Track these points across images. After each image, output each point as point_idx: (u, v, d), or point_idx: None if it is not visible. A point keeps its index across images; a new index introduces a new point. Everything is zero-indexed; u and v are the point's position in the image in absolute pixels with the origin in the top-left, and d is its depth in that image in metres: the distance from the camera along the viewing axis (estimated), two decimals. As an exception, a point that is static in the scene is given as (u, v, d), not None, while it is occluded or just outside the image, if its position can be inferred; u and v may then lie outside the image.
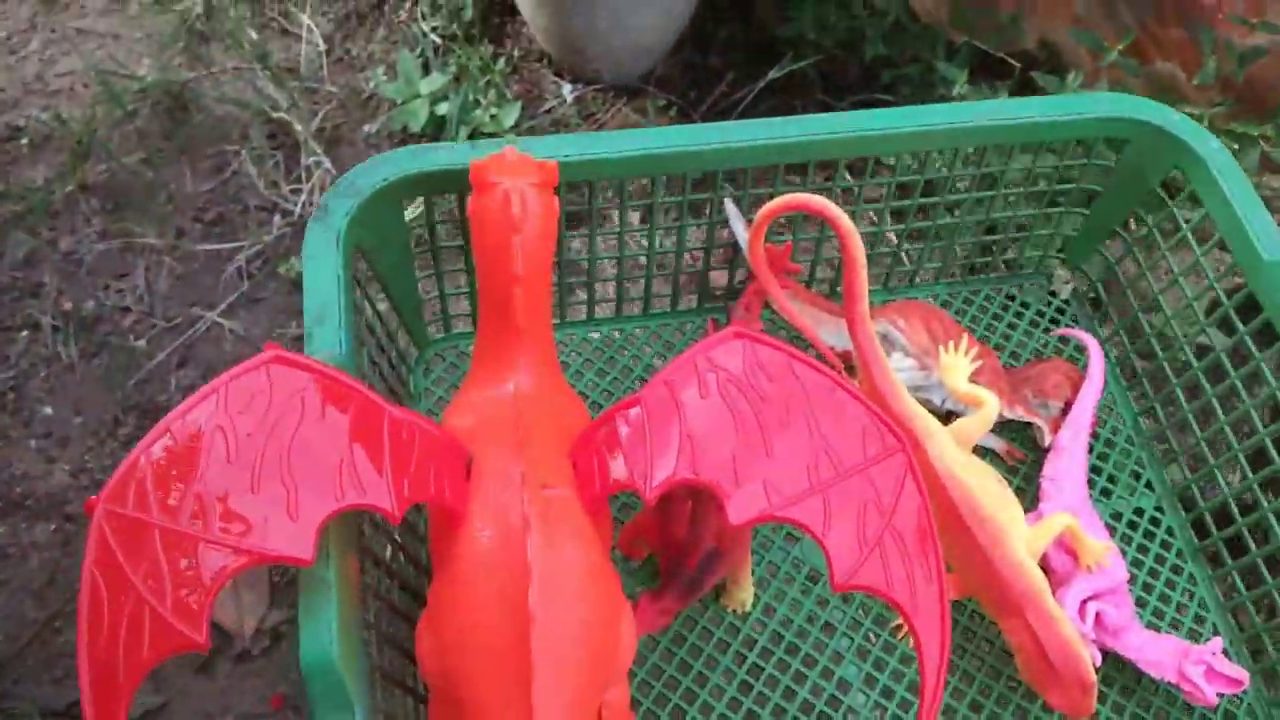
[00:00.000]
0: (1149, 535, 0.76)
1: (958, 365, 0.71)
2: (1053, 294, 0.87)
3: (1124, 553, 0.75)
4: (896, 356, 0.74)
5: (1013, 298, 0.87)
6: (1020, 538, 0.65)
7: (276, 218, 1.14)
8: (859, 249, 0.68)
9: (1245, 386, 0.72)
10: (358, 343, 0.64)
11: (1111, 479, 0.78)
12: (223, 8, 1.46)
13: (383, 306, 0.73)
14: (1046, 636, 0.63)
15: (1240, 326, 0.72)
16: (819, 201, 0.68)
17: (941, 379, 0.72)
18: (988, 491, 0.66)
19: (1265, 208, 0.71)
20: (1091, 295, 0.86)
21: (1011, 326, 0.85)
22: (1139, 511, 0.77)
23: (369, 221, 0.67)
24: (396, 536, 0.65)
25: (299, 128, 1.17)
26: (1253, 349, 0.71)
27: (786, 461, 0.52)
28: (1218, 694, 0.65)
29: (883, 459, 0.53)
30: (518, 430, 0.56)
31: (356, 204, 0.66)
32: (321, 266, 0.63)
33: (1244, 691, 0.68)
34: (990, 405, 0.68)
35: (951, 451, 0.66)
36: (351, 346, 0.61)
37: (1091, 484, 0.77)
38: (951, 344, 0.73)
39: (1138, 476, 0.79)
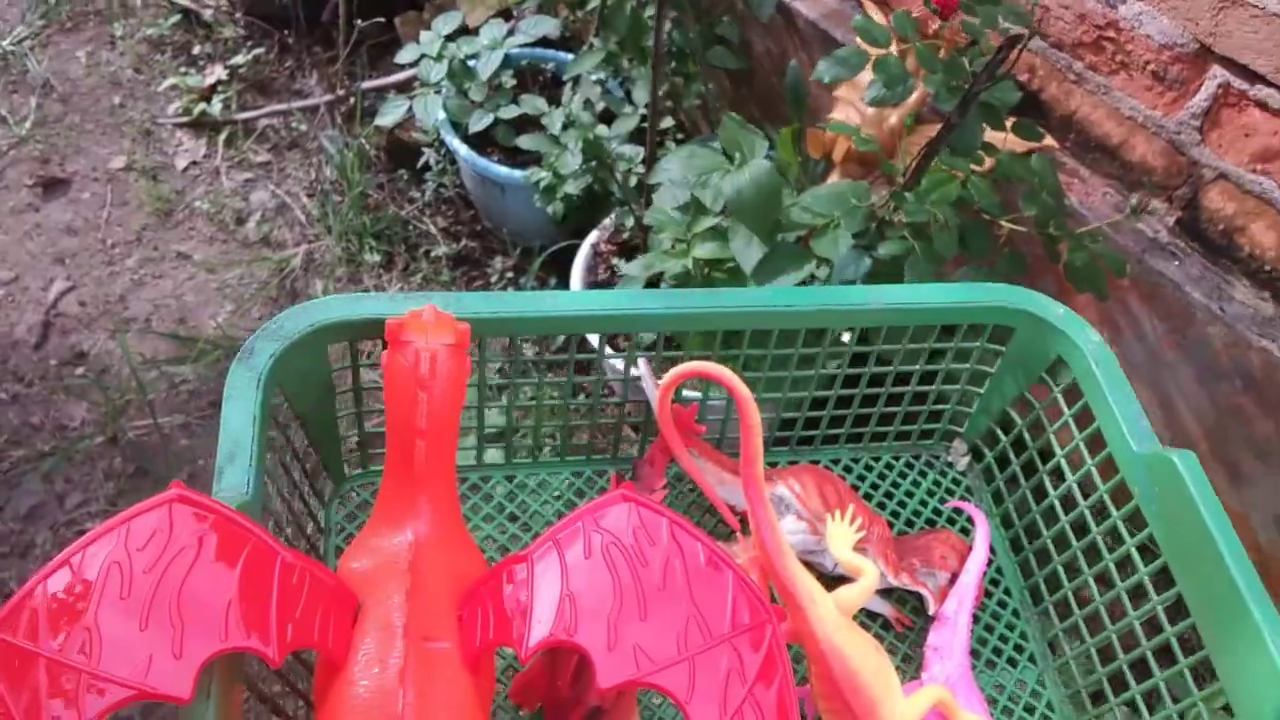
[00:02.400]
0: (1029, 709, 0.79)
1: (843, 534, 0.75)
2: (950, 465, 0.92)
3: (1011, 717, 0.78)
4: (789, 520, 0.78)
5: (911, 466, 0.91)
6: (894, 709, 0.68)
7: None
8: (755, 416, 0.72)
9: (1118, 569, 0.76)
10: (268, 480, 0.67)
11: (996, 651, 0.82)
12: (325, 264, 1.56)
13: (303, 442, 0.76)
14: None
15: (1114, 511, 0.77)
16: (720, 370, 0.73)
17: (828, 545, 0.76)
18: (866, 660, 0.69)
19: (1138, 402, 0.76)
20: (986, 469, 0.91)
21: (909, 494, 0.90)
22: (1021, 684, 0.80)
23: (293, 363, 0.71)
24: (284, 672, 0.66)
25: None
26: (1124, 534, 0.76)
27: (660, 627, 0.55)
28: None
29: (751, 629, 0.56)
30: (408, 579, 0.58)
31: (282, 347, 0.70)
32: (240, 407, 0.66)
33: None
34: (870, 575, 0.71)
35: (833, 619, 0.69)
36: (260, 486, 0.64)
37: (976, 655, 0.81)
38: (838, 512, 0.77)
39: (1021, 650, 0.82)
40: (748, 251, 0.98)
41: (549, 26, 1.59)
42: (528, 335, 0.73)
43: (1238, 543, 0.68)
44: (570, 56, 1.69)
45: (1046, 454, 0.83)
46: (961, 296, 0.81)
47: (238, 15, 2.04)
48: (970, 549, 0.82)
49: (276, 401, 0.70)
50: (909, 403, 0.89)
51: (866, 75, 1.22)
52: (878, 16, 1.31)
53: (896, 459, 0.92)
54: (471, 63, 1.56)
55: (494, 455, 0.86)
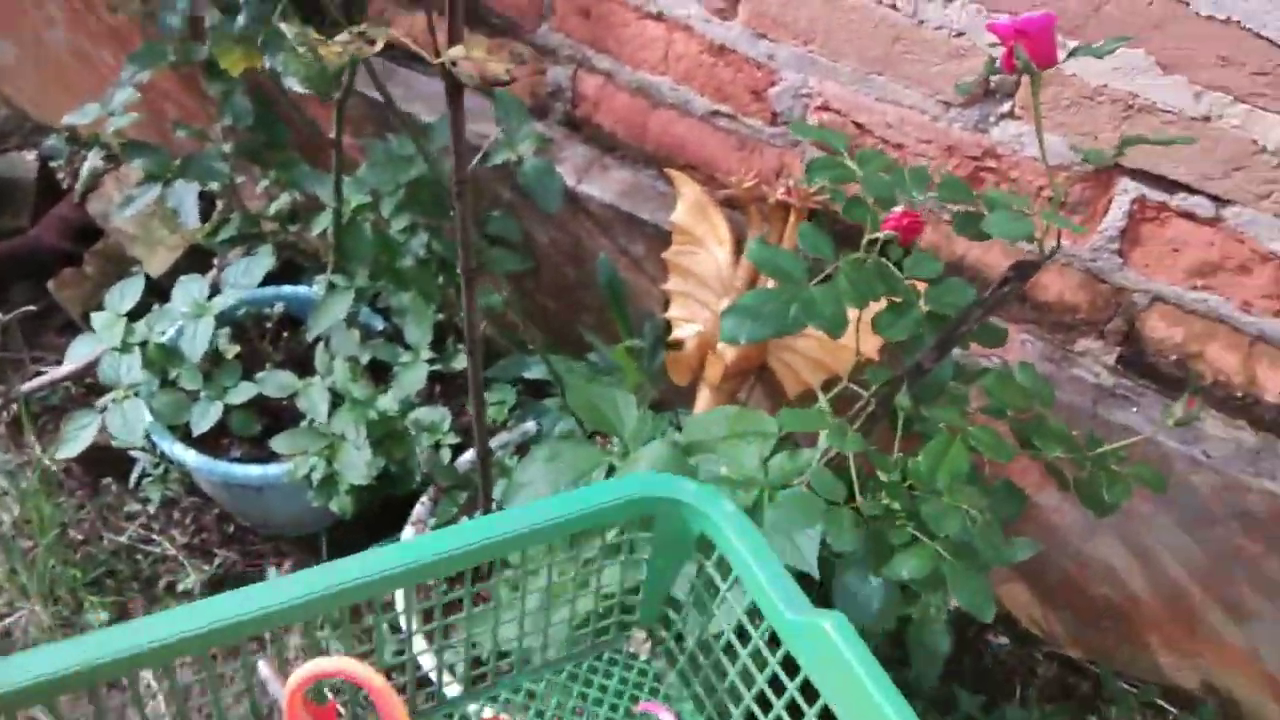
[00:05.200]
0: None
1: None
2: (634, 657, 0.88)
3: None
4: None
5: (595, 670, 0.87)
6: None
7: None
8: (394, 705, 0.65)
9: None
10: None
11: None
12: (33, 641, 1.18)
13: None
14: None
15: (788, 683, 0.74)
16: (351, 666, 0.65)
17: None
18: None
19: (784, 568, 0.75)
20: (667, 653, 0.87)
21: (598, 701, 0.85)
22: None
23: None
24: None
25: None
26: (801, 704, 0.74)
27: None
28: None
29: None
30: None
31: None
32: None
33: None
34: None
35: None
36: None
37: None
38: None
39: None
40: None
41: (264, 266, 1.25)
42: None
43: (897, 694, 0.67)
44: (303, 289, 1.35)
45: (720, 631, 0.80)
46: (600, 498, 0.78)
47: None
48: (663, 751, 0.78)
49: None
50: (579, 606, 0.84)
51: (704, 262, 1.09)
52: (690, 190, 1.12)
53: (579, 666, 0.86)
54: (167, 336, 1.18)
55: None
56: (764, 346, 1.08)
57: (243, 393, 1.19)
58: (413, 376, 1.18)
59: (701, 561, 0.81)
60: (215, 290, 1.23)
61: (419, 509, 1.12)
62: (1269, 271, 0.96)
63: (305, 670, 0.67)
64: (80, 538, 1.29)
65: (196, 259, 1.43)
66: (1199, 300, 1.01)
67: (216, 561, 1.29)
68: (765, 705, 0.77)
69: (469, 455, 1.17)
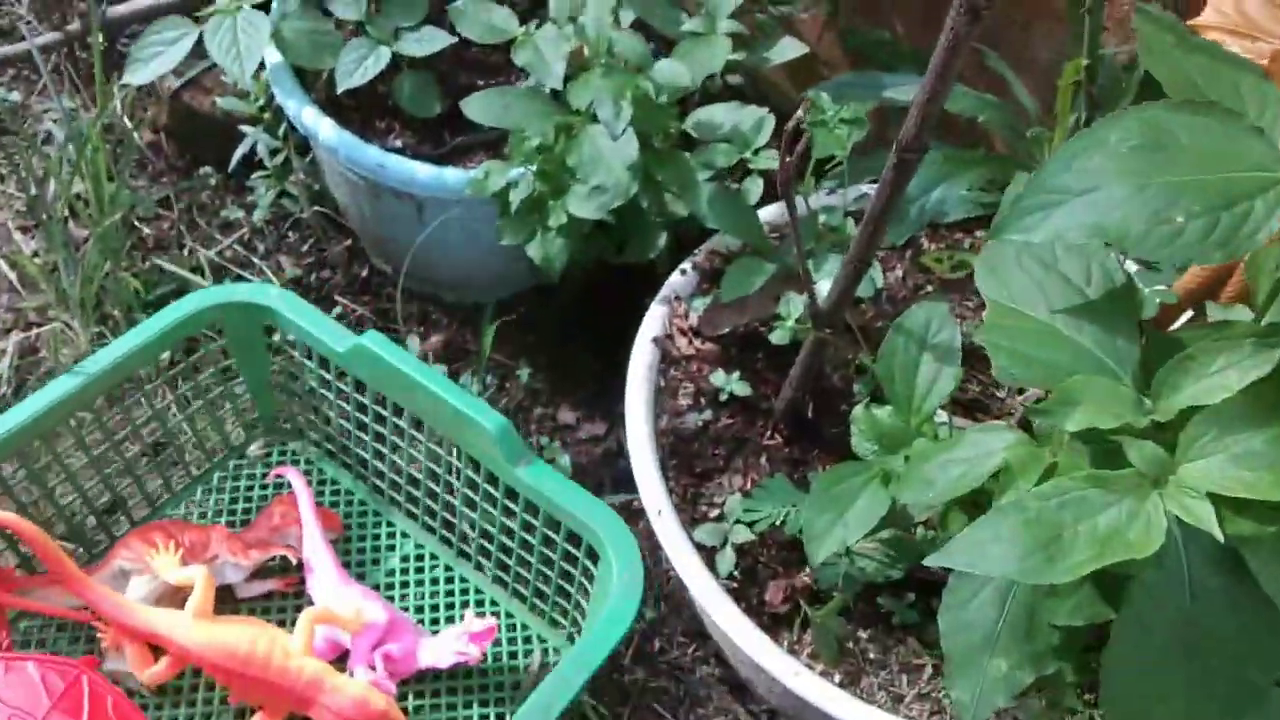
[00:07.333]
0: (406, 558, 0.98)
1: (164, 561, 0.88)
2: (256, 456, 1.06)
3: (409, 581, 0.95)
4: (137, 581, 0.88)
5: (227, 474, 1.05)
6: (284, 648, 0.82)
7: None
8: (47, 549, 0.80)
9: (410, 442, 0.95)
10: None
11: (375, 537, 0.99)
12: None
13: None
14: (341, 704, 0.80)
15: (387, 413, 0.94)
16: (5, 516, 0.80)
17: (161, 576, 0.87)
18: (242, 634, 0.83)
19: (326, 316, 0.93)
20: (296, 429, 1.06)
21: (250, 496, 1.02)
22: (405, 557, 0.98)
23: None
24: None
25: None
26: (389, 415, 0.94)
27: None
28: (481, 648, 0.86)
29: (68, 689, 0.66)
30: None
31: None
32: None
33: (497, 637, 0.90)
34: (200, 577, 0.86)
35: (192, 625, 0.82)
36: None
37: (354, 560, 0.97)
38: (160, 546, 0.88)
39: (393, 534, 0.99)
40: None
41: None
42: None
43: (435, 374, 0.89)
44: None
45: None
46: (161, 324, 0.92)
47: None
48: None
49: None
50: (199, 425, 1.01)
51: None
52: None
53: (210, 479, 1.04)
54: None
55: None
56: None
57: (426, 42, 0.78)
58: (704, 53, 0.70)
59: (282, 347, 0.99)
60: None
61: (676, 279, 0.76)
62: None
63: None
64: (153, 240, 0.94)
65: None
66: None
67: (335, 312, 0.94)
68: (364, 428, 0.98)
69: (774, 208, 0.77)
